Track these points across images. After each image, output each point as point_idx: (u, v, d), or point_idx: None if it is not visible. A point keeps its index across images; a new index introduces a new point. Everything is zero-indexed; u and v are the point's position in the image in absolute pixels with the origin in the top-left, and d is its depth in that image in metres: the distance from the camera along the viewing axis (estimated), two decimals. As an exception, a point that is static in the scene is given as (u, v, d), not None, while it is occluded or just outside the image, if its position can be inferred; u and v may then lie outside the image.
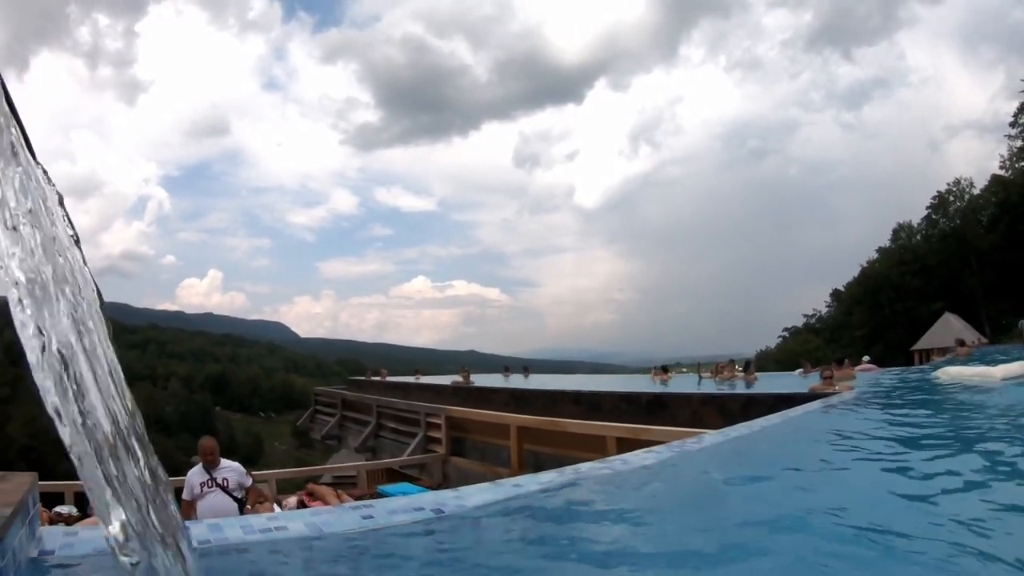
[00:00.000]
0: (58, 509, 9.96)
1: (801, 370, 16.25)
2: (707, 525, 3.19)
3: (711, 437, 5.85)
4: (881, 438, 5.66)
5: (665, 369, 18.67)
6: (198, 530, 3.10)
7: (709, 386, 15.36)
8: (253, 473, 12.29)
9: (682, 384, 15.89)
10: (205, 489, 6.71)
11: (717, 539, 2.92)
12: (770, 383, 14.08)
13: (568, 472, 4.39)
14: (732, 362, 17.99)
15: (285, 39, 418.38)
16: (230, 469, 6.96)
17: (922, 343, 29.10)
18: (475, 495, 3.85)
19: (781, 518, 3.17)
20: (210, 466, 6.81)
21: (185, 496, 6.64)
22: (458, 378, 19.83)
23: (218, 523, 3.36)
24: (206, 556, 2.64)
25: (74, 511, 10.47)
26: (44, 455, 52.03)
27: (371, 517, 3.39)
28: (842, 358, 18.45)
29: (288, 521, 3.38)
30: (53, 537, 2.80)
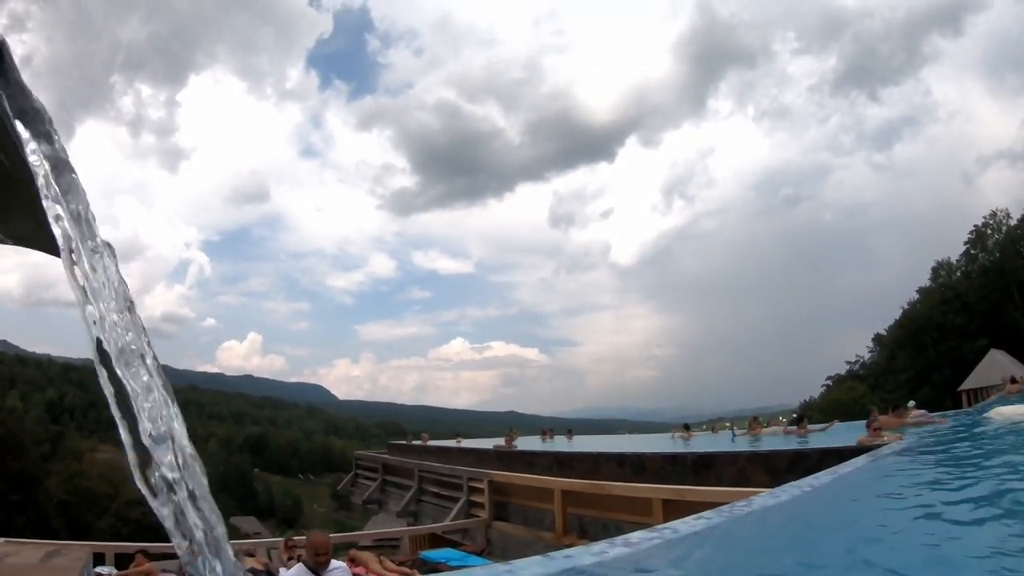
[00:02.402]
0: (99, 570, 10.17)
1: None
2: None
3: (760, 500, 5.75)
4: (936, 493, 5.51)
5: (687, 427, 18.87)
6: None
7: (743, 443, 15.15)
8: (295, 538, 12.40)
9: (718, 441, 15.70)
10: None
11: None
12: (822, 436, 13.85)
13: (619, 542, 4.36)
14: (756, 418, 18.13)
15: (322, 107, 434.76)
16: (341, 570, 5.98)
17: (969, 383, 28.32)
18: (527, 568, 3.84)
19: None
20: (321, 567, 5.73)
21: None
22: (500, 442, 19.76)
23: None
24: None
25: (114, 571, 10.70)
26: (81, 510, 52.81)
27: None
28: (896, 405, 18.01)
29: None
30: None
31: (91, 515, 52.91)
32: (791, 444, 12.61)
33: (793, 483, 6.60)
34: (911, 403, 18.58)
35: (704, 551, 4.33)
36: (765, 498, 5.83)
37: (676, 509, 8.55)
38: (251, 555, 11.68)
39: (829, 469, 7.45)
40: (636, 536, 4.65)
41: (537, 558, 4.21)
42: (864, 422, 12.18)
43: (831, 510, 5.70)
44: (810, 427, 16.60)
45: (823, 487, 6.36)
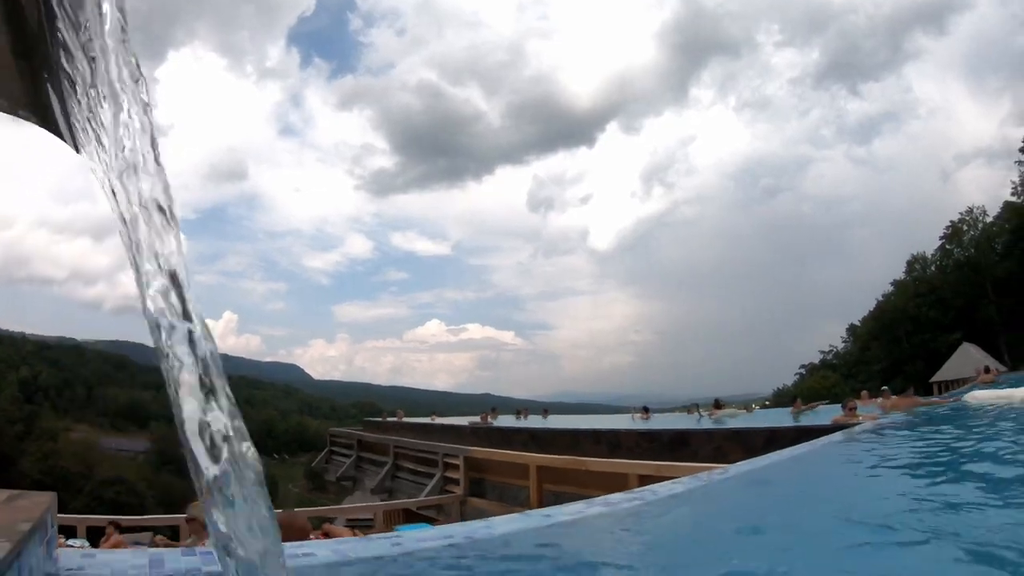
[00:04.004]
0: (71, 542, 9.93)
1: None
2: (738, 553, 3.15)
3: (737, 467, 5.78)
4: (903, 464, 5.57)
5: (646, 409, 19.22)
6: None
7: (707, 423, 15.35)
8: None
9: (682, 421, 15.96)
10: None
11: (753, 566, 2.87)
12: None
13: (597, 503, 4.35)
14: (718, 401, 19.10)
15: (302, 86, 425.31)
16: None
17: (941, 374, 28.79)
18: (504, 524, 3.81)
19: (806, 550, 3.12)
20: None
21: None
22: (476, 419, 19.68)
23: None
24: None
25: (87, 544, 10.46)
26: (56, 490, 52.05)
27: (399, 544, 3.36)
28: (904, 388, 18.34)
29: (315, 548, 3.34)
30: (71, 558, 2.74)
31: (66, 495, 52.12)
32: (766, 423, 12.70)
33: (770, 454, 6.64)
34: (884, 388, 18.98)
35: (682, 511, 4.33)
36: (742, 466, 5.86)
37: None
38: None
39: (805, 443, 7.51)
40: (615, 497, 4.64)
41: (516, 515, 4.18)
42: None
43: (804, 477, 5.75)
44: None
45: (798, 457, 6.41)
